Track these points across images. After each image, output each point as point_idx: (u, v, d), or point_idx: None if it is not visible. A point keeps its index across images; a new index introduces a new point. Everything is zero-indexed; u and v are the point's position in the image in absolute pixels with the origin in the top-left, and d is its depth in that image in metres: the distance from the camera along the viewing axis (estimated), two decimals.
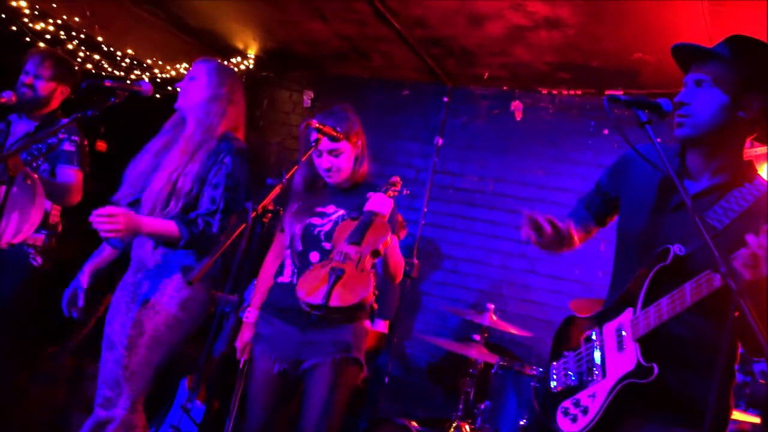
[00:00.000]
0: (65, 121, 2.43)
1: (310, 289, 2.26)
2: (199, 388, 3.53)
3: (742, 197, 1.71)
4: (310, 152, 2.34)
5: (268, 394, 2.51)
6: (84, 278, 2.67)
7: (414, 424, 3.58)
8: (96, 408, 2.41)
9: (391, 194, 2.45)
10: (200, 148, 2.50)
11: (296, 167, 2.10)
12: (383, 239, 2.32)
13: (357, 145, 2.64)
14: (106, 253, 2.75)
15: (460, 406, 3.63)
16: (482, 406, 3.53)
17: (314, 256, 2.53)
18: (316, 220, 2.59)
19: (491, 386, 3.60)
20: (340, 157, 2.59)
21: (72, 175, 3.10)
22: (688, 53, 1.79)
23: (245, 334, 2.67)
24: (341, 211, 2.58)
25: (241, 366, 2.65)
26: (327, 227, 2.55)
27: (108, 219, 2.25)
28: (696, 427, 1.60)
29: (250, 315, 2.69)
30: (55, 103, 3.22)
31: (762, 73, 1.69)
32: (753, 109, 1.70)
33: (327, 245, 2.51)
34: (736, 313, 1.28)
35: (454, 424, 3.54)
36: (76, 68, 3.35)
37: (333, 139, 2.44)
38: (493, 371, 3.60)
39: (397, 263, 2.56)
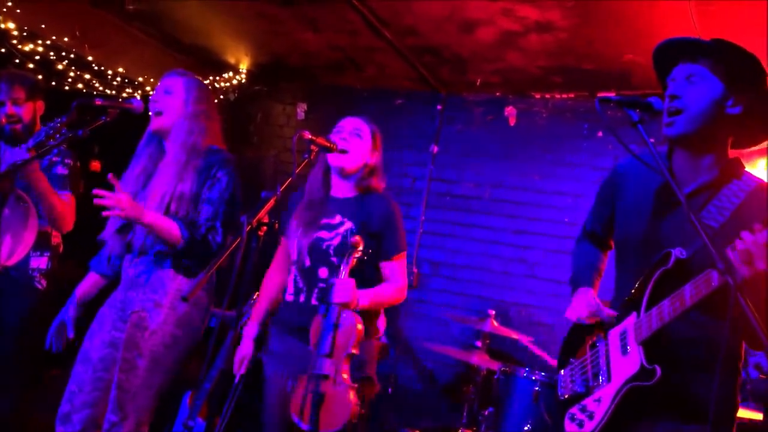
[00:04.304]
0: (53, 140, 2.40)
1: (299, 409, 2.23)
2: (200, 405, 3.50)
3: (733, 194, 1.73)
4: (303, 164, 2.30)
5: (284, 412, 2.44)
6: (72, 308, 2.65)
7: None
8: None
9: (354, 262, 2.36)
10: (187, 168, 2.46)
11: (290, 179, 2.09)
12: (353, 338, 2.27)
13: (374, 153, 2.62)
14: (91, 282, 2.72)
15: (465, 414, 3.61)
16: (486, 413, 3.51)
17: (323, 272, 2.51)
18: (323, 234, 2.54)
19: (494, 392, 3.59)
20: (360, 140, 2.56)
21: (65, 201, 3.01)
22: (679, 48, 1.79)
23: (244, 348, 2.61)
24: (348, 224, 2.53)
25: (236, 381, 2.60)
26: (336, 241, 2.51)
27: (112, 197, 2.24)
28: (703, 423, 1.62)
29: (250, 329, 2.64)
30: (38, 123, 3.17)
31: (745, 75, 1.71)
32: (738, 108, 1.73)
33: (336, 260, 2.48)
34: (736, 313, 1.28)
35: None
36: (67, 88, 3.33)
37: (327, 149, 2.43)
38: (495, 377, 3.59)
39: (385, 303, 2.55)
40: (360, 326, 2.29)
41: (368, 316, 2.49)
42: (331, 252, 2.51)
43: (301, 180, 2.63)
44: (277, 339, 2.58)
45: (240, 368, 2.59)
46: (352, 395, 2.19)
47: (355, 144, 2.56)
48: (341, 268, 2.33)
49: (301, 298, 2.52)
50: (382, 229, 2.55)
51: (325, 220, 2.56)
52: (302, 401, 2.24)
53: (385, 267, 2.58)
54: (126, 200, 2.26)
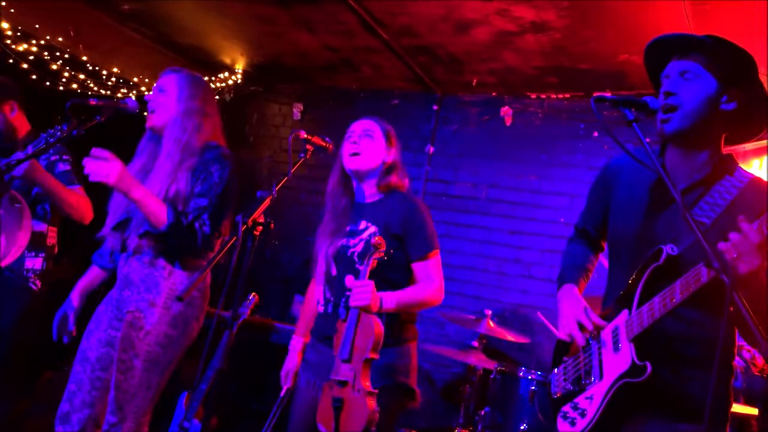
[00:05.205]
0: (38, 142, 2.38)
1: (324, 418, 2.22)
2: (197, 406, 3.49)
3: (725, 191, 1.73)
4: (299, 163, 2.28)
5: (310, 420, 2.41)
6: (74, 301, 2.65)
7: None
8: None
9: (374, 264, 2.28)
10: (181, 167, 2.43)
11: (286, 178, 2.08)
12: (371, 341, 2.20)
13: (390, 150, 2.58)
14: (94, 275, 2.72)
15: (461, 414, 3.61)
16: (482, 413, 3.51)
17: (349, 280, 2.39)
18: (348, 241, 2.48)
19: (490, 392, 3.59)
20: (372, 140, 2.52)
21: (79, 194, 3.00)
22: (672, 44, 1.79)
23: (290, 361, 2.63)
24: (372, 228, 2.46)
25: (282, 393, 2.60)
26: (359, 247, 2.44)
27: (101, 161, 2.20)
28: (697, 422, 1.62)
29: (296, 343, 2.65)
30: (18, 124, 3.11)
31: (738, 71, 1.71)
32: (732, 104, 1.73)
33: (361, 267, 2.38)
34: (731, 308, 1.28)
35: None
36: (61, 88, 3.29)
37: (322, 149, 2.41)
38: (491, 377, 3.59)
39: (417, 305, 2.44)
40: (379, 330, 2.21)
41: (399, 320, 2.43)
42: (356, 258, 2.44)
43: (301, 181, 2.62)
44: (311, 349, 2.57)
45: (286, 381, 2.61)
46: (370, 401, 2.14)
47: (366, 144, 2.52)
48: (361, 270, 2.26)
49: (330, 308, 2.49)
50: (406, 229, 2.46)
51: (350, 227, 2.51)
52: (325, 408, 2.23)
53: (416, 268, 2.47)
54: (118, 167, 2.22)
